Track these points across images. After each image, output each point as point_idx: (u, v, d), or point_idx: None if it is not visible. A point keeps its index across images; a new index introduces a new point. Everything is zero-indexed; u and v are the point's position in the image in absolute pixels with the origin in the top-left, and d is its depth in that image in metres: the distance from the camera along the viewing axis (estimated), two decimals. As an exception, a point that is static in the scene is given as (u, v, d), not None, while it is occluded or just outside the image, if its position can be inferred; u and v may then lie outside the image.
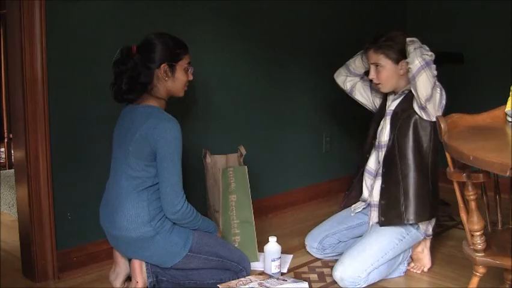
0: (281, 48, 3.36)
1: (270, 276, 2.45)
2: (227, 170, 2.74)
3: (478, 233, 1.84)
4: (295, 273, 2.60)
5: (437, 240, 2.98)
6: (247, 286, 2.30)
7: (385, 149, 2.54)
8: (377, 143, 2.61)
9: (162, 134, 2.18)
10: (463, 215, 1.92)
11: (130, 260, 2.34)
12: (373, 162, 2.63)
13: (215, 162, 2.84)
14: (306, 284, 2.39)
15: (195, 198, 2.80)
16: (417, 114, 2.45)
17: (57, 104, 2.47)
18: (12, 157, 3.60)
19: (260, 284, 2.31)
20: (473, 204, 1.82)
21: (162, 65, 2.27)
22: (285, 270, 2.60)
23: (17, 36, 2.37)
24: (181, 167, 2.24)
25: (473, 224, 1.83)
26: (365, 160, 2.66)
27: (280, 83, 3.39)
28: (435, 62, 3.65)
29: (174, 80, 2.32)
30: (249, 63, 3.22)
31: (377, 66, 2.53)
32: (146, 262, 2.30)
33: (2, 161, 4.31)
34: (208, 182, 2.85)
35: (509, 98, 2.11)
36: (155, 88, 2.30)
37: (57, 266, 2.53)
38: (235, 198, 2.72)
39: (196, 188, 2.92)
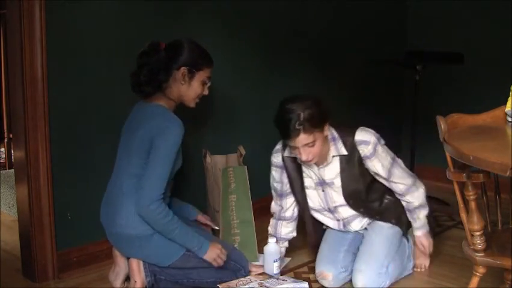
0: (282, 48, 3.36)
1: (270, 276, 2.45)
2: (227, 170, 2.74)
3: (478, 233, 1.84)
4: (295, 273, 2.60)
5: (437, 240, 2.98)
6: (247, 286, 2.30)
7: (345, 205, 2.50)
8: (327, 210, 2.54)
9: (162, 131, 2.21)
10: (463, 215, 1.92)
11: (131, 265, 2.34)
12: (329, 220, 2.58)
13: (215, 162, 2.84)
14: (306, 284, 2.38)
15: (195, 198, 2.81)
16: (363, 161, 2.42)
17: (57, 104, 2.47)
18: (12, 157, 3.59)
19: (260, 284, 2.31)
20: (473, 204, 1.82)
21: (182, 68, 2.31)
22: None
23: (17, 36, 2.37)
24: (168, 173, 2.21)
25: (473, 224, 1.83)
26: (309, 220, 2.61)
27: (280, 84, 3.39)
28: (435, 61, 3.68)
29: (189, 87, 2.35)
30: (250, 63, 3.22)
31: (308, 145, 2.27)
32: (144, 261, 2.30)
33: (2, 161, 4.30)
34: (208, 182, 2.85)
35: (509, 98, 2.11)
36: (170, 89, 2.33)
37: (57, 266, 2.53)
38: (235, 198, 2.72)
39: (196, 188, 2.91)
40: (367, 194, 2.49)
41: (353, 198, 2.48)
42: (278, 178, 2.57)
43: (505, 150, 1.67)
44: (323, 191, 2.50)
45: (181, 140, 2.24)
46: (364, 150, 2.38)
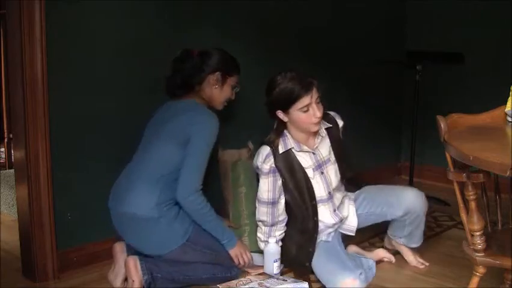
0: (282, 49, 3.35)
1: (270, 276, 2.45)
2: (236, 163, 2.80)
3: (478, 233, 1.84)
4: (295, 273, 2.59)
5: (437, 240, 2.98)
6: (247, 286, 2.30)
7: (339, 185, 2.59)
8: (326, 196, 2.53)
9: (199, 125, 2.35)
10: (463, 215, 1.92)
11: (128, 264, 2.34)
12: (328, 214, 2.55)
13: (227, 155, 2.87)
14: (306, 284, 2.39)
15: (211, 190, 2.79)
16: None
17: (57, 104, 2.47)
18: (12, 157, 3.59)
19: (260, 284, 2.31)
20: (473, 204, 1.82)
21: (216, 73, 2.50)
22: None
23: (17, 36, 2.37)
24: (205, 165, 2.35)
25: (473, 224, 1.83)
26: (316, 221, 2.53)
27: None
28: (435, 61, 3.68)
29: (221, 91, 2.54)
30: (250, 63, 3.21)
31: (317, 100, 2.41)
32: (140, 260, 2.31)
33: (2, 161, 4.30)
34: (221, 176, 2.88)
35: (509, 98, 2.11)
36: (202, 91, 2.51)
37: (57, 266, 2.53)
38: (244, 190, 2.78)
39: (212, 180, 2.89)
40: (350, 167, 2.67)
41: (346, 174, 2.62)
42: (271, 186, 2.49)
43: (505, 150, 1.67)
44: (322, 173, 2.52)
45: (217, 132, 2.36)
46: (341, 123, 2.64)
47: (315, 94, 2.40)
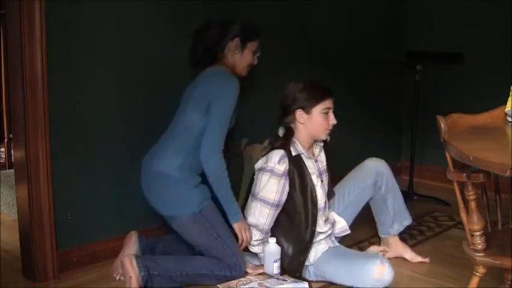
0: (282, 49, 3.35)
1: (270, 276, 2.45)
2: (254, 158, 2.79)
3: (478, 233, 1.84)
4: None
5: (437, 240, 2.98)
6: (247, 286, 2.30)
7: (329, 199, 2.64)
8: (323, 204, 2.54)
9: (218, 87, 2.43)
10: (463, 215, 1.92)
11: (124, 261, 2.34)
12: (321, 222, 2.54)
13: (252, 150, 2.88)
14: (306, 284, 2.39)
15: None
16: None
17: (57, 104, 2.47)
18: (12, 157, 3.59)
19: (260, 284, 2.31)
20: (473, 204, 1.82)
21: (235, 39, 2.56)
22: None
23: (17, 36, 2.37)
24: (226, 128, 2.41)
25: (473, 224, 1.83)
26: (313, 231, 2.50)
27: (280, 84, 3.38)
28: (435, 61, 3.68)
29: (242, 57, 2.59)
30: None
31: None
32: (136, 257, 2.32)
33: (2, 161, 4.30)
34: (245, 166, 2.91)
35: (509, 98, 2.11)
36: (225, 58, 2.58)
37: (57, 266, 2.53)
38: None
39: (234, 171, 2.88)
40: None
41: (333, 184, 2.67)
42: (281, 187, 2.45)
43: (505, 150, 1.67)
44: (322, 181, 2.54)
45: (237, 96, 2.43)
46: (328, 138, 2.62)
47: (333, 102, 2.49)
